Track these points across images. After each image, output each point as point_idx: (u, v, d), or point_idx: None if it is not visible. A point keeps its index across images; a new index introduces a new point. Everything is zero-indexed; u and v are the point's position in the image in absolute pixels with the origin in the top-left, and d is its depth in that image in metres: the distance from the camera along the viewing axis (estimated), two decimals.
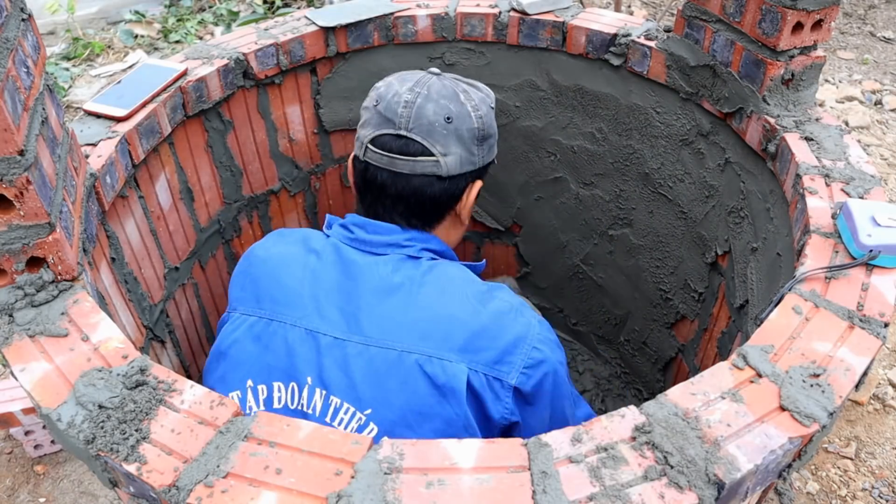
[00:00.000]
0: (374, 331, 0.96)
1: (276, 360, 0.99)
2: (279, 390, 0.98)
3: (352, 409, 0.95)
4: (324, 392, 0.96)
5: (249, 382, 0.99)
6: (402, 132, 1.06)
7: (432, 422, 0.94)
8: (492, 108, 1.15)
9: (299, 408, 0.97)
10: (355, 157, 1.12)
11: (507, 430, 0.99)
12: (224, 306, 1.66)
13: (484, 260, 1.24)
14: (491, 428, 0.97)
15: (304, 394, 0.97)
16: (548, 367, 0.98)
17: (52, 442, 1.73)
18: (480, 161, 1.12)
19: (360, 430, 0.94)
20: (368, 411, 0.94)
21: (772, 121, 1.19)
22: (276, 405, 0.98)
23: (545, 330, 1.02)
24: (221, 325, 1.09)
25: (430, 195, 1.08)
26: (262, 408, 0.97)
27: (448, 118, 1.07)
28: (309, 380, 0.96)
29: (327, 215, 1.16)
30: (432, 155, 1.06)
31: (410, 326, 0.96)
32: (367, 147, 1.08)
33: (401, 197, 1.08)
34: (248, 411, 0.98)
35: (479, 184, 1.14)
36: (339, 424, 0.95)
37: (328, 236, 1.09)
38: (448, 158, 1.07)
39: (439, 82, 1.10)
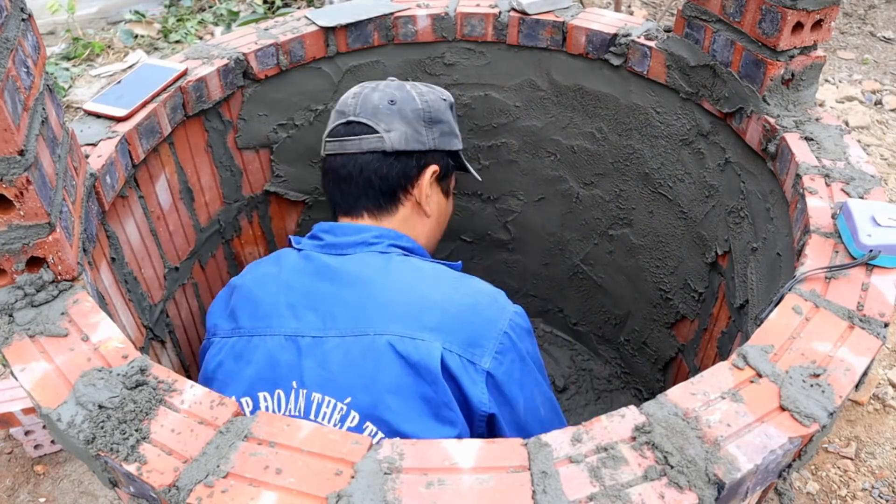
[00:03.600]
0: (348, 322, 0.99)
1: (258, 372, 1.00)
2: (265, 400, 0.99)
3: (332, 401, 0.95)
4: (304, 391, 0.97)
5: (244, 400, 1.00)
6: (350, 118, 1.17)
7: (411, 401, 0.93)
8: (444, 100, 1.23)
9: (286, 414, 0.97)
10: (321, 159, 1.21)
11: (489, 426, 0.98)
12: None
13: (460, 262, 1.21)
14: (472, 416, 0.96)
15: (291, 398, 0.98)
16: (515, 355, 0.98)
17: (52, 442, 1.73)
18: (431, 142, 1.18)
19: (342, 419, 0.94)
20: (348, 399, 0.95)
21: (772, 121, 1.19)
22: None
23: (519, 317, 1.02)
24: (203, 353, 1.11)
25: (379, 173, 1.15)
26: None
27: (392, 101, 1.17)
28: (294, 384, 0.98)
29: (289, 237, 1.21)
30: (376, 132, 1.15)
31: (382, 310, 0.98)
32: (324, 142, 1.19)
33: (351, 178, 1.15)
34: None
35: (432, 168, 1.18)
36: (323, 419, 0.95)
37: (300, 250, 1.12)
38: (391, 134, 1.15)
39: (393, 81, 1.22)
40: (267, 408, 0.98)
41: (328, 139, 1.19)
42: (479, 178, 1.44)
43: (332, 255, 1.08)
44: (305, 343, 0.99)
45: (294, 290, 1.04)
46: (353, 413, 0.94)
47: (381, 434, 0.93)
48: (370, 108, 1.16)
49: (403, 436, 0.92)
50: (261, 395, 0.99)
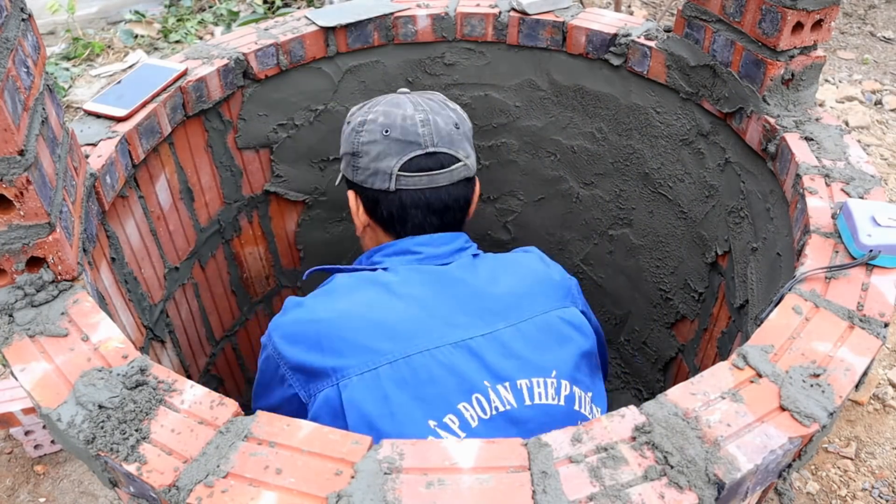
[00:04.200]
0: (508, 312, 1.02)
1: (443, 387, 0.94)
2: (466, 409, 0.95)
3: (541, 380, 0.99)
4: (507, 384, 0.97)
5: (432, 423, 0.93)
6: (431, 149, 1.09)
7: (589, 360, 1.06)
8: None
9: (494, 412, 0.95)
10: (380, 192, 1.11)
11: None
12: (224, 306, 1.67)
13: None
14: None
15: (493, 397, 0.96)
16: (579, 295, 1.14)
17: (52, 442, 1.73)
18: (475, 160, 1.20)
19: (557, 391, 1.00)
20: (554, 373, 1.00)
21: (772, 121, 1.19)
22: (473, 424, 0.94)
23: None
24: (324, 401, 0.95)
25: (466, 198, 1.15)
26: (464, 434, 0.93)
27: (456, 125, 1.14)
28: (486, 383, 0.96)
29: (310, 270, 1.17)
30: (460, 160, 1.12)
31: (529, 295, 1.05)
32: (397, 176, 1.09)
33: (447, 208, 1.12)
34: None
35: (478, 183, 1.21)
36: (541, 399, 0.98)
37: (385, 269, 1.07)
38: (470, 160, 1.15)
39: (420, 98, 1.16)
40: (473, 416, 0.95)
41: (408, 174, 1.09)
42: None
43: (438, 265, 1.07)
44: (477, 344, 0.97)
45: (428, 302, 1.00)
46: (563, 382, 1.00)
47: (587, 395, 1.04)
48: (445, 136, 1.11)
49: (593, 391, 1.06)
50: (460, 406, 0.95)
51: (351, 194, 1.17)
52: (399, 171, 1.09)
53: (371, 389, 0.94)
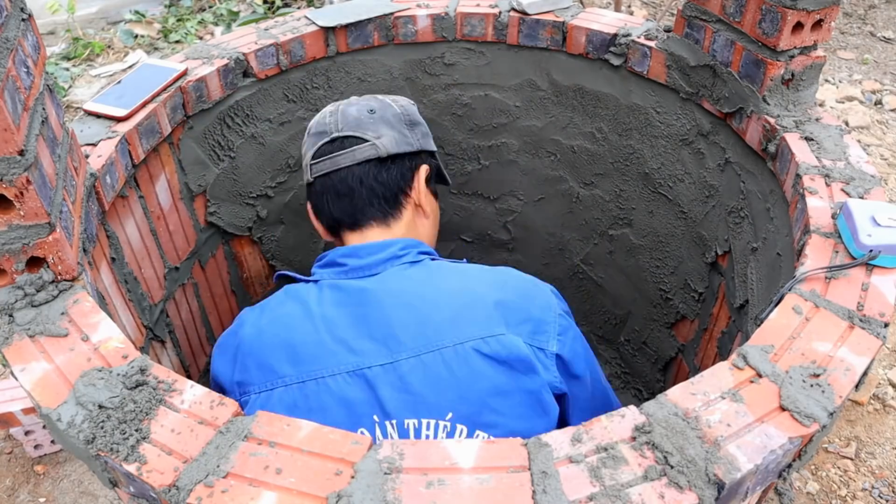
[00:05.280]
0: (417, 340, 0.94)
1: (331, 418, 0.92)
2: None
3: (432, 422, 0.92)
4: (394, 422, 0.92)
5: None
6: (335, 134, 1.15)
7: (515, 396, 0.93)
8: (413, 104, 1.25)
9: None
10: (306, 186, 1.19)
11: (560, 404, 0.99)
12: (224, 306, 1.67)
13: (465, 258, 1.26)
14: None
15: (377, 434, 0.92)
16: (575, 332, 1.02)
17: (52, 442, 1.73)
18: (417, 144, 1.19)
19: (450, 435, 0.92)
20: (449, 415, 0.92)
21: (772, 121, 1.19)
22: None
23: (560, 298, 1.06)
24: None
25: (379, 179, 1.13)
26: None
27: (371, 110, 1.17)
28: (375, 418, 0.92)
29: (278, 273, 1.14)
30: (366, 141, 1.14)
31: (450, 321, 0.95)
32: (310, 166, 1.16)
33: (353, 191, 1.13)
34: None
35: (424, 169, 1.19)
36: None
37: (314, 282, 1.05)
38: (382, 140, 1.14)
39: (358, 97, 1.22)
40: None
41: (315, 161, 1.15)
42: (451, 182, 1.39)
43: (362, 277, 1.02)
44: (374, 374, 0.93)
45: (336, 323, 0.97)
46: (458, 427, 0.92)
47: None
48: (352, 120, 1.15)
49: (519, 434, 0.89)
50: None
51: (310, 209, 1.22)
52: (311, 160, 1.16)
53: (265, 410, 0.92)
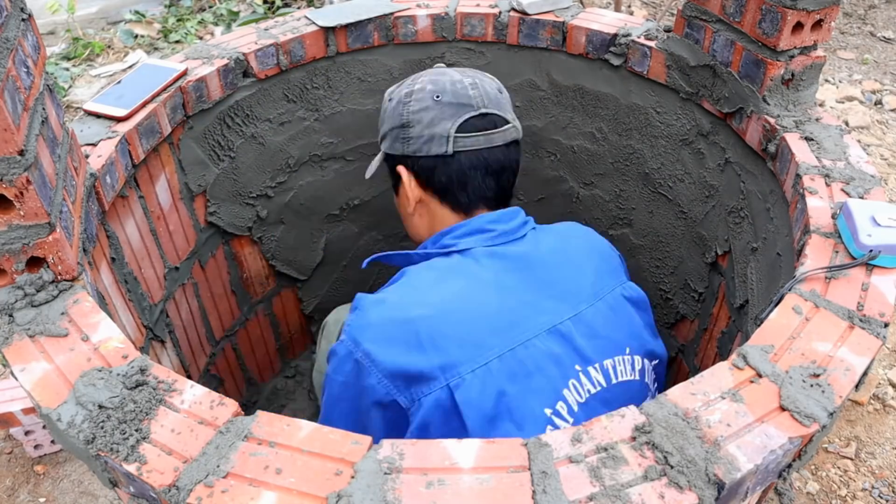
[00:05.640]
0: (585, 292, 1.04)
1: (549, 376, 0.95)
2: (570, 394, 0.97)
3: (621, 358, 1.02)
4: (596, 365, 1.00)
5: (548, 411, 0.94)
6: (483, 110, 1.10)
7: (649, 330, 1.11)
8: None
9: (587, 395, 0.98)
10: (437, 158, 1.10)
11: None
12: (224, 306, 1.67)
13: None
14: None
15: (583, 380, 0.98)
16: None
17: (52, 442, 1.73)
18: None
19: (633, 367, 1.04)
20: (628, 350, 1.04)
21: (772, 121, 1.19)
22: (576, 409, 0.97)
23: None
24: (431, 405, 0.89)
25: (517, 160, 1.17)
26: (571, 420, 0.96)
27: (500, 90, 1.15)
28: (577, 367, 0.98)
29: (369, 259, 1.12)
30: (509, 122, 1.13)
31: (594, 272, 1.07)
32: (454, 138, 1.08)
33: (503, 169, 1.13)
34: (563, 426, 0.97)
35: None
36: (622, 376, 1.02)
37: (461, 252, 1.03)
38: (517, 122, 1.15)
39: (460, 69, 1.18)
40: (574, 401, 0.97)
41: (464, 135, 1.08)
42: None
43: (511, 242, 1.06)
44: (566, 327, 0.99)
45: (516, 288, 0.99)
46: (635, 358, 1.05)
47: (651, 364, 1.09)
48: (493, 99, 1.12)
49: (662, 360, 1.11)
50: (564, 392, 0.96)
51: (402, 170, 1.14)
52: (456, 133, 1.08)
53: (486, 385, 0.90)
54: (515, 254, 1.04)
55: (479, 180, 1.11)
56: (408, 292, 0.98)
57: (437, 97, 1.09)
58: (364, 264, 1.15)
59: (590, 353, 0.99)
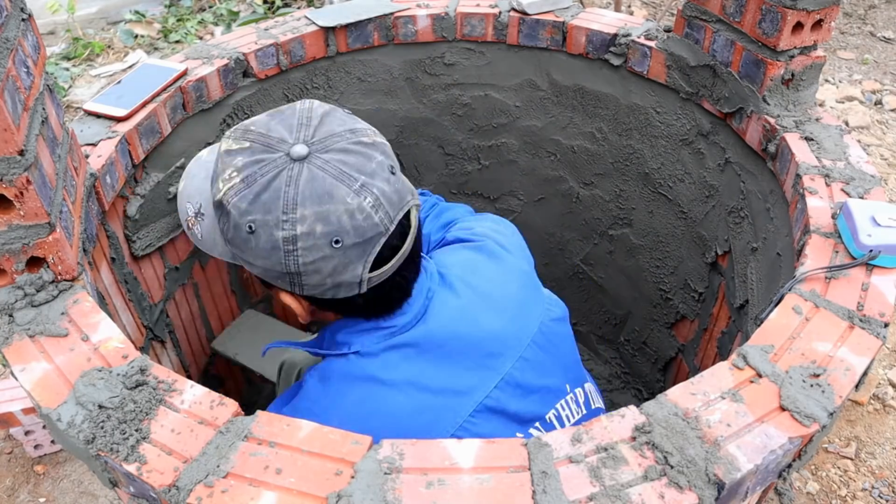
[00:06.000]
0: (509, 341, 0.93)
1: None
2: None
3: (563, 402, 0.98)
4: (537, 423, 0.94)
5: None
6: (392, 226, 0.82)
7: (575, 348, 1.07)
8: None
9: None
10: (344, 299, 0.86)
11: None
12: (224, 306, 1.67)
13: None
14: None
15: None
16: None
17: (52, 442, 1.73)
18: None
19: (577, 403, 1.00)
20: (568, 387, 1.00)
21: (772, 121, 1.19)
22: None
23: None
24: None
25: (420, 224, 0.96)
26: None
27: (391, 169, 0.87)
28: (518, 435, 0.91)
29: (268, 346, 0.99)
30: (410, 203, 0.87)
31: (520, 303, 0.99)
32: (367, 280, 0.84)
33: (415, 255, 0.91)
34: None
35: None
36: (573, 417, 0.99)
37: (358, 354, 0.90)
38: (412, 192, 0.90)
39: (330, 158, 0.82)
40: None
41: (378, 271, 0.84)
42: None
43: (412, 327, 0.90)
44: (493, 400, 0.90)
45: (424, 382, 0.88)
46: (577, 392, 1.01)
47: (593, 385, 1.06)
48: (394, 200, 0.84)
49: (565, 318, 1.05)
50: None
51: (287, 297, 0.90)
52: (369, 273, 0.83)
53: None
54: (416, 339, 0.88)
55: (389, 297, 0.89)
56: (312, 411, 0.87)
57: (337, 242, 0.79)
58: (263, 352, 1.03)
59: (529, 414, 0.91)
